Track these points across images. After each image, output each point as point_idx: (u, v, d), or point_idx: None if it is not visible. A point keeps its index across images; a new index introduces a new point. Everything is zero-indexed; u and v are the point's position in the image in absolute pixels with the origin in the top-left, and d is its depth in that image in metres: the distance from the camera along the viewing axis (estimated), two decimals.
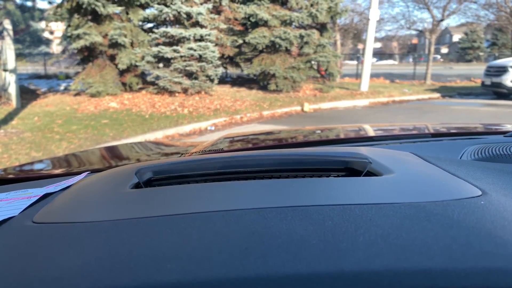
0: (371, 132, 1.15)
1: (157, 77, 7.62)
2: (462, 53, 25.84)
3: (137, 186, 0.48)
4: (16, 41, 8.53)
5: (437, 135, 0.97)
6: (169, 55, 7.41)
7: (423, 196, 0.39)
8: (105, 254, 0.30)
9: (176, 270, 0.27)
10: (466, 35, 25.96)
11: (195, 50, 7.43)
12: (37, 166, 1.05)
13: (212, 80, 7.86)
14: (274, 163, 0.54)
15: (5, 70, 6.86)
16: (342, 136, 1.10)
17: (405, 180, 0.44)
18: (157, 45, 7.76)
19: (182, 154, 0.98)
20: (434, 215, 0.33)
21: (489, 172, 0.50)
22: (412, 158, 0.55)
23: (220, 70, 8.16)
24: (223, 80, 10.12)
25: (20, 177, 0.79)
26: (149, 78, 7.96)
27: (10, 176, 0.83)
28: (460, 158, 0.70)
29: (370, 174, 0.48)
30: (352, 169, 0.52)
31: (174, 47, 7.43)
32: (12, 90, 6.77)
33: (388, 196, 0.39)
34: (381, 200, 0.37)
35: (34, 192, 0.51)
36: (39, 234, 0.35)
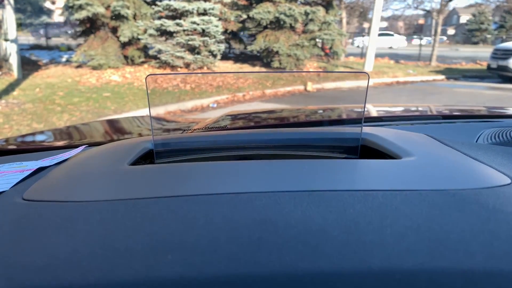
0: (380, 112, 1.11)
1: (159, 51, 7.53)
2: (469, 35, 25.47)
3: (136, 162, 0.45)
4: (17, 10, 8.40)
5: (449, 117, 0.94)
6: (171, 29, 7.31)
7: (450, 182, 0.35)
8: (98, 241, 0.27)
9: (178, 262, 0.24)
10: (474, 16, 25.53)
11: (198, 24, 7.32)
12: (36, 138, 1.04)
13: (215, 56, 7.77)
14: (283, 139, 0.51)
15: (6, 40, 6.77)
16: (349, 116, 1.07)
17: (427, 164, 0.40)
18: (159, 18, 7.64)
19: (184, 130, 0.97)
20: (467, 205, 0.30)
21: (510, 157, 0.47)
22: (428, 141, 0.51)
23: (223, 45, 8.06)
24: (226, 56, 10.00)
25: (16, 149, 0.77)
26: (151, 52, 7.87)
27: (6, 147, 0.81)
28: (476, 141, 0.67)
29: (386, 156, 0.45)
30: (367, 151, 0.48)
31: (177, 21, 7.31)
32: (13, 60, 6.70)
33: (412, 181, 0.35)
34: (405, 186, 0.34)
35: (29, 165, 0.49)
36: (27, 212, 0.32)
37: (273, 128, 0.79)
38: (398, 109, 1.21)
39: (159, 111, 4.98)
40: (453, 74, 9.79)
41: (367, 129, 0.52)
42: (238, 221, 0.28)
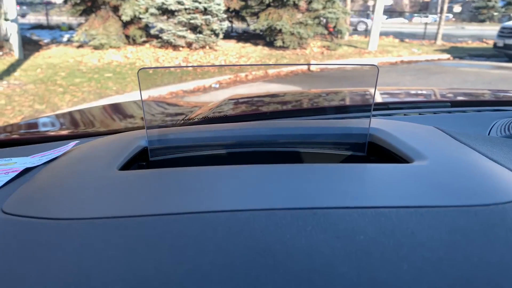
0: (385, 98, 1.06)
1: (161, 30, 7.44)
2: (476, 12, 24.98)
3: (129, 161, 0.42)
4: None
5: (459, 103, 0.89)
6: (173, 8, 7.20)
7: (472, 196, 0.30)
8: (71, 274, 0.23)
9: None
10: None
11: (200, 3, 7.21)
12: (30, 127, 1.02)
13: (217, 35, 7.67)
14: (286, 135, 0.48)
15: (6, 19, 6.70)
16: (355, 102, 1.02)
17: (442, 171, 0.35)
18: None
19: (186, 115, 0.97)
20: (493, 228, 0.25)
21: None
22: (440, 136, 0.47)
23: (226, 24, 7.95)
24: (228, 35, 9.88)
25: (7, 141, 0.75)
26: (152, 31, 7.78)
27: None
28: (489, 133, 0.63)
29: (396, 159, 0.41)
30: (374, 146, 0.45)
31: None
32: (14, 40, 6.65)
33: (428, 195, 0.30)
34: (420, 201, 0.29)
35: (18, 162, 0.48)
36: (5, 230, 0.29)
37: (276, 119, 0.75)
38: (404, 94, 1.15)
39: (161, 92, 4.96)
40: (458, 53, 9.65)
41: (374, 122, 0.49)
42: (233, 252, 0.24)
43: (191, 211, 0.29)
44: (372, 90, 1.14)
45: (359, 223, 0.26)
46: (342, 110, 0.85)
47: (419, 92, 1.19)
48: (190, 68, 6.15)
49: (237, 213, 0.28)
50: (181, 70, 6.02)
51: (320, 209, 0.28)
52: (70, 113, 1.21)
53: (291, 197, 0.30)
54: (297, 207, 0.28)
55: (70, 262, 0.25)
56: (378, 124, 0.49)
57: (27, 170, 0.46)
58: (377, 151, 0.45)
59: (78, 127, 0.98)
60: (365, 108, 0.84)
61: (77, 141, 0.61)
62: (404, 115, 0.79)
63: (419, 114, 0.80)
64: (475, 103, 0.95)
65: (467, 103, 0.95)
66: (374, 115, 0.74)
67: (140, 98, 0.49)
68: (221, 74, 5.98)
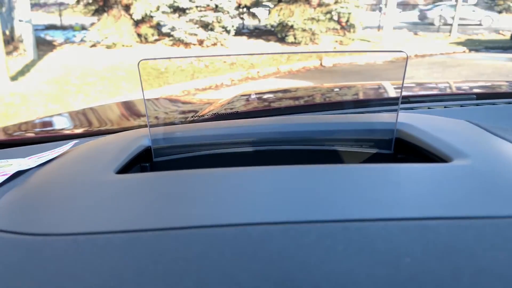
0: (405, 91, 1.01)
1: (172, 28, 7.45)
2: (492, 3, 24.47)
3: (127, 167, 0.38)
4: None
5: (485, 95, 0.83)
6: (184, 5, 7.20)
7: None
8: None
9: None
10: None
11: (211, 0, 7.19)
12: (34, 127, 1.01)
13: (228, 32, 7.65)
14: (304, 131, 0.44)
15: (20, 20, 6.78)
16: (374, 96, 0.96)
17: (490, 171, 0.29)
18: None
19: (197, 112, 0.94)
20: None
21: None
22: (476, 131, 0.42)
23: (237, 21, 7.92)
24: (240, 31, 9.84)
25: (7, 142, 0.72)
26: (164, 30, 7.80)
27: (1, 138, 0.77)
28: None
29: (428, 157, 0.36)
30: (401, 143, 0.41)
31: None
32: (28, 41, 6.72)
33: (482, 202, 0.25)
34: (474, 210, 0.23)
35: (14, 164, 0.46)
36: None
37: (290, 115, 0.70)
38: (425, 87, 1.08)
39: (173, 90, 4.96)
40: (474, 45, 9.46)
41: (400, 117, 0.44)
42: (242, 281, 0.19)
43: (189, 226, 0.24)
44: (386, 84, 1.09)
45: (402, 241, 0.20)
46: (361, 104, 0.79)
47: (440, 84, 1.13)
48: (202, 66, 6.14)
49: (247, 228, 0.22)
50: (193, 68, 6.02)
51: (352, 221, 0.22)
52: (74, 112, 1.19)
53: (315, 207, 0.24)
54: (324, 219, 0.22)
55: (58, 283, 0.20)
56: (405, 119, 0.44)
57: (20, 173, 0.44)
58: (405, 149, 0.41)
59: (80, 126, 0.96)
60: (386, 101, 0.79)
61: (76, 141, 0.58)
62: (428, 108, 0.74)
63: (444, 107, 0.74)
64: (503, 94, 0.88)
65: (494, 95, 0.88)
66: (393, 110, 0.69)
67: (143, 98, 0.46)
68: (232, 71, 5.96)
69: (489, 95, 0.85)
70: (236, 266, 0.20)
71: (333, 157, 0.44)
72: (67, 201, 0.30)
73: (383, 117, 0.46)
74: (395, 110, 0.42)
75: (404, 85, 1.12)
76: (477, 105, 0.75)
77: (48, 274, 0.21)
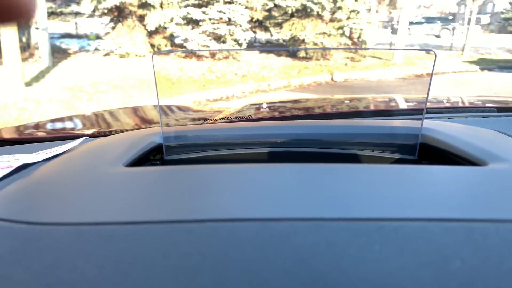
0: (424, 103, 0.98)
1: (185, 40, 7.54)
2: (505, 23, 24.42)
3: (137, 163, 0.37)
4: None
5: (505, 109, 0.81)
6: (197, 17, 7.29)
7: None
8: None
9: None
10: (510, 4, 24.42)
11: (224, 13, 7.28)
12: (45, 126, 1.01)
13: (240, 45, 7.71)
14: (321, 134, 0.42)
15: (37, 28, 6.91)
16: (388, 106, 0.93)
17: None
18: (186, 6, 7.63)
19: (205, 120, 0.94)
20: None
21: None
22: (505, 139, 0.40)
23: (249, 34, 7.99)
24: (252, 45, 9.92)
25: (17, 139, 0.72)
26: (177, 41, 7.89)
27: (9, 137, 0.77)
28: None
29: (457, 163, 0.34)
30: (424, 150, 0.39)
31: (203, 9, 7.29)
32: (44, 49, 6.84)
33: None
34: None
35: (20, 159, 0.46)
36: None
37: (306, 119, 0.70)
38: (443, 100, 1.05)
39: (185, 100, 4.99)
40: (487, 64, 9.41)
41: (424, 123, 0.42)
42: (266, 281, 0.17)
43: (205, 219, 0.21)
44: (398, 97, 1.06)
45: (447, 242, 0.18)
46: (381, 113, 0.77)
47: (459, 98, 1.11)
48: (214, 77, 6.19)
49: (271, 224, 0.20)
50: (204, 79, 6.06)
51: (388, 220, 0.19)
52: (85, 114, 1.19)
53: (346, 204, 0.22)
54: (356, 217, 0.20)
55: (36, 282, 0.18)
56: (429, 125, 0.43)
57: (25, 167, 0.43)
58: (429, 155, 0.39)
59: (91, 127, 0.96)
60: (407, 111, 0.77)
61: (86, 138, 0.56)
62: (448, 118, 0.71)
63: (466, 118, 0.72)
64: None
65: None
66: (413, 119, 0.66)
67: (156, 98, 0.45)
68: (243, 83, 5.98)
69: (510, 109, 0.83)
70: (259, 263, 0.17)
71: (355, 161, 0.42)
72: (70, 191, 0.29)
73: (406, 123, 0.44)
74: (417, 119, 0.40)
75: (423, 99, 1.10)
76: (500, 117, 0.73)
77: (45, 265, 0.19)
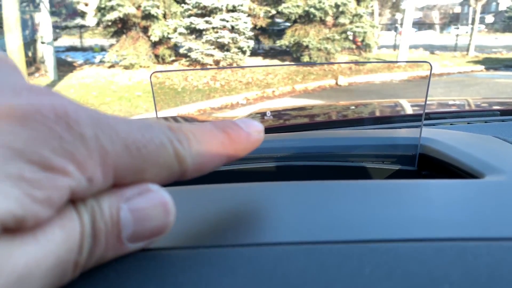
0: (426, 108, 0.97)
1: (189, 49, 7.59)
2: (509, 22, 24.30)
3: None
4: (52, 13, 8.67)
5: (508, 112, 0.81)
6: (201, 27, 7.34)
7: None
8: None
9: None
10: None
11: (227, 21, 7.32)
12: None
13: (244, 52, 7.74)
14: (322, 146, 0.41)
15: (42, 42, 7.00)
16: (391, 113, 0.95)
17: None
18: (189, 16, 7.69)
19: None
20: None
21: None
22: (505, 147, 0.39)
23: (252, 41, 8.02)
24: (255, 52, 9.96)
25: None
26: (181, 51, 7.94)
27: None
28: None
29: (455, 174, 0.33)
30: (424, 160, 0.38)
31: (206, 18, 7.34)
32: (50, 62, 6.91)
33: None
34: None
35: None
36: None
37: (309, 131, 0.70)
38: (445, 104, 1.04)
39: (190, 109, 5.00)
40: (492, 64, 9.35)
41: (423, 132, 0.42)
42: None
43: (201, 245, 0.19)
44: (404, 102, 1.05)
45: (438, 264, 0.17)
46: (381, 120, 0.76)
47: (461, 101, 1.09)
48: (218, 85, 6.21)
49: (262, 248, 0.19)
50: (209, 87, 6.07)
51: (379, 242, 0.19)
52: None
53: (337, 226, 0.21)
54: (347, 240, 0.19)
55: None
56: (429, 134, 0.42)
57: None
58: (429, 165, 0.38)
59: None
60: (407, 118, 0.76)
61: None
62: (451, 124, 0.70)
63: (468, 123, 0.71)
64: None
65: None
66: (414, 126, 0.65)
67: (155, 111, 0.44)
68: (248, 90, 5.99)
69: None
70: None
71: (353, 174, 0.41)
72: None
73: (405, 132, 0.43)
74: (417, 126, 0.39)
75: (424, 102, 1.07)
76: (503, 121, 0.71)
77: None
